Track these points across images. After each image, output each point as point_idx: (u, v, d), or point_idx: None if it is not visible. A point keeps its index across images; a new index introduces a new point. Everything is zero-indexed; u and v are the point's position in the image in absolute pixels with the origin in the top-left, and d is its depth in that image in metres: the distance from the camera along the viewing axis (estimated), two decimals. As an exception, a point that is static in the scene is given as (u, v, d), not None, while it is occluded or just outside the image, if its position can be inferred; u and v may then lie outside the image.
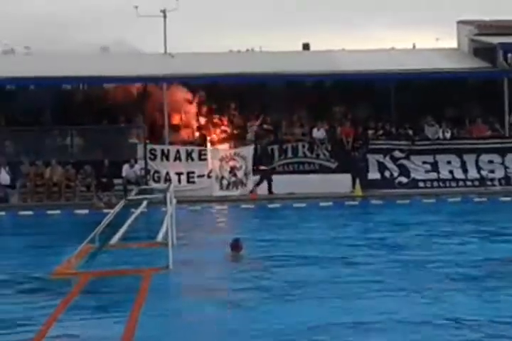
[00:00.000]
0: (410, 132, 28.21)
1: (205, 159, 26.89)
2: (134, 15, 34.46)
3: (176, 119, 28.92)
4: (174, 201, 14.21)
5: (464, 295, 11.05)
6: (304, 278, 12.38)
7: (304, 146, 27.53)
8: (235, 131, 28.82)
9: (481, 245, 15.60)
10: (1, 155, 26.47)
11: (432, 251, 14.70)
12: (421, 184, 27.06)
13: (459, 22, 32.64)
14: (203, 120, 29.19)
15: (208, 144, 27.70)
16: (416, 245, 15.65)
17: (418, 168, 27.16)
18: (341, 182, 26.42)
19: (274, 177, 26.63)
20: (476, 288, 11.51)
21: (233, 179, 26.80)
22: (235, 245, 14.24)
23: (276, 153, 27.37)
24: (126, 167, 25.84)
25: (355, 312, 10.13)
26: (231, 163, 26.85)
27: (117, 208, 13.70)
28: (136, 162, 26.21)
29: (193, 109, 29.26)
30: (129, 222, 12.40)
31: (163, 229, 11.85)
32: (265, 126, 28.75)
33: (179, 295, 11.66)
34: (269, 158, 27.06)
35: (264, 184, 26.42)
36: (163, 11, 34.47)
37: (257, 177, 26.60)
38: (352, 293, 11.23)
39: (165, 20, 34.64)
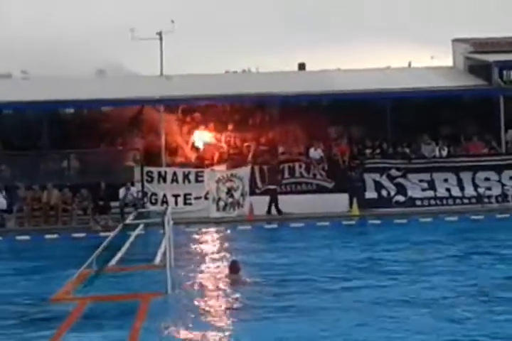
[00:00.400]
0: (407, 150, 28.25)
1: (202, 181, 26.89)
2: (130, 37, 34.57)
3: (172, 141, 28.93)
4: (171, 223, 14.20)
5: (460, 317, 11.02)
6: (301, 301, 12.33)
7: (300, 166, 27.54)
8: (232, 152, 28.84)
9: (478, 265, 15.53)
10: (-1, 180, 26.44)
11: (427, 273, 14.63)
12: (418, 202, 27.06)
13: (454, 40, 32.78)
14: (199, 141, 29.22)
15: (205, 166, 27.70)
16: (416, 266, 15.55)
17: (415, 186, 27.18)
18: (338, 202, 26.42)
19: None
20: (477, 308, 11.47)
21: (230, 200, 26.78)
22: (233, 267, 14.22)
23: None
24: (122, 190, 25.84)
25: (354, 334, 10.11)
26: (228, 184, 26.84)
27: (115, 231, 13.67)
28: (133, 184, 26.20)
29: (189, 130, 29.32)
30: (126, 245, 12.35)
31: (161, 252, 11.81)
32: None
33: (178, 319, 11.61)
34: (276, 177, 27.02)
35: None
36: (160, 34, 34.57)
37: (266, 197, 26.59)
38: (349, 317, 11.21)
39: (161, 43, 34.75)
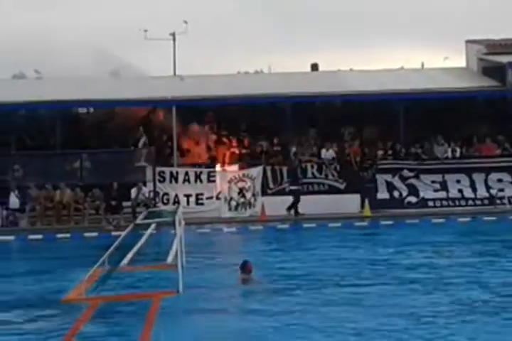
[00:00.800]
0: (419, 151, 28.21)
1: (214, 181, 26.93)
2: (144, 38, 34.65)
3: (185, 141, 28.98)
4: (183, 223, 14.21)
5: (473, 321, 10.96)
6: (314, 300, 12.31)
7: (312, 167, 27.55)
8: (245, 152, 28.87)
9: (490, 266, 15.46)
10: (11, 179, 26.54)
11: (441, 273, 14.59)
12: (430, 203, 27.03)
13: (468, 41, 32.73)
14: (212, 141, 29.26)
15: (217, 166, 27.75)
16: (427, 267, 15.50)
17: (427, 187, 27.16)
18: (350, 203, 26.45)
19: (283, 198, 26.63)
20: (489, 313, 11.42)
21: (242, 200, 26.82)
22: (245, 267, 14.20)
23: (285, 174, 27.37)
24: (134, 190, 25.90)
25: (365, 334, 10.09)
26: (240, 184, 26.87)
27: (126, 231, 13.69)
28: (145, 184, 26.26)
29: (202, 130, 29.37)
30: (138, 244, 12.37)
31: (173, 252, 11.82)
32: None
33: (189, 318, 11.63)
34: (297, 177, 26.98)
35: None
36: (173, 34, 34.63)
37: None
38: (362, 316, 11.18)
39: (174, 43, 34.82)
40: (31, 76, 38.42)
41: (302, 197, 26.54)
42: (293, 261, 16.88)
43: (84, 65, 37.06)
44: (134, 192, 25.87)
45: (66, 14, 63.40)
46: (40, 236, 22.85)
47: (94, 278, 12.04)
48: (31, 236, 22.90)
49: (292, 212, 26.26)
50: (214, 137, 29.37)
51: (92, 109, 31.11)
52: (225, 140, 29.18)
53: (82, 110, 31.22)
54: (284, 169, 27.42)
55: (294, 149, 28.72)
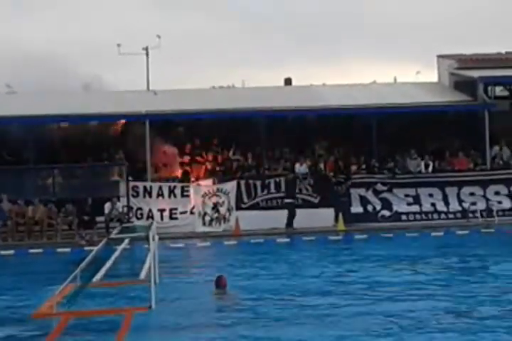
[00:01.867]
0: (392, 165, 28.32)
1: (188, 195, 26.85)
2: (117, 53, 34.58)
3: (158, 156, 28.90)
4: (157, 238, 14.13)
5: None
6: (287, 316, 12.28)
7: (296, 180, 27.51)
8: (218, 167, 28.85)
9: (463, 281, 15.50)
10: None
11: (412, 288, 14.59)
12: (404, 217, 27.14)
13: (439, 56, 33.01)
14: (185, 156, 29.22)
15: (191, 180, 27.70)
16: (401, 282, 15.49)
17: (400, 201, 27.26)
18: (324, 217, 26.44)
19: (257, 212, 26.63)
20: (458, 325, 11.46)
21: (216, 215, 26.75)
22: (219, 281, 14.15)
23: (259, 188, 27.34)
24: (108, 205, 25.76)
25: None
26: (214, 199, 26.81)
27: (99, 246, 13.59)
28: (118, 199, 26.14)
29: (175, 145, 29.31)
30: (111, 260, 12.28)
31: (146, 267, 11.74)
32: (233, 157, 28.84)
33: (162, 334, 11.55)
34: (294, 190, 26.95)
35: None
36: (146, 49, 34.59)
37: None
38: (333, 328, 11.18)
39: (147, 58, 34.76)
40: (2, 90, 38.15)
41: (275, 212, 26.56)
42: (267, 275, 16.84)
43: (57, 80, 36.92)
44: (107, 207, 25.73)
45: (39, 28, 63.24)
46: (11, 252, 22.63)
47: (65, 293, 11.94)
48: (2, 252, 22.68)
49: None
50: (187, 152, 29.31)
51: (64, 124, 30.92)
52: (197, 155, 29.15)
53: (55, 125, 31.01)
54: (258, 183, 27.38)
55: (266, 164, 28.78)
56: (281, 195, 27.23)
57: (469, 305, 12.75)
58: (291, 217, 26.31)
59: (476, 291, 14.00)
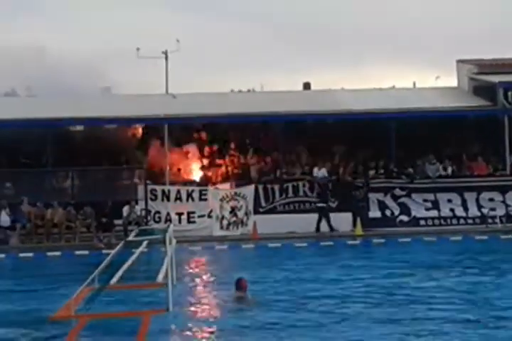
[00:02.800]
0: (411, 170, 28.23)
1: (206, 199, 26.85)
2: (136, 56, 34.71)
3: (177, 160, 28.98)
4: (174, 241, 14.13)
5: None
6: (307, 320, 12.23)
7: (304, 185, 27.50)
8: (236, 171, 28.86)
9: (483, 285, 15.40)
10: (2, 197, 26.43)
11: (430, 292, 14.50)
12: (422, 222, 27.03)
13: (459, 61, 32.87)
14: (203, 160, 29.27)
15: (209, 184, 27.73)
16: (423, 287, 15.38)
17: (419, 206, 27.15)
18: (342, 221, 26.40)
19: (274, 216, 26.61)
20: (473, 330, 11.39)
21: (234, 219, 26.75)
22: (239, 284, 14.10)
23: (277, 193, 27.33)
24: (126, 208, 25.83)
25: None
26: (231, 203, 26.81)
27: (117, 249, 13.62)
28: (136, 203, 26.19)
29: (193, 149, 29.38)
30: (129, 262, 12.31)
31: (163, 270, 11.76)
32: (251, 161, 28.82)
33: (179, 337, 11.54)
34: (326, 195, 26.90)
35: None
36: (165, 53, 34.68)
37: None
38: (353, 334, 11.13)
39: (166, 62, 34.84)
40: (23, 94, 38.39)
41: (292, 216, 26.55)
42: (285, 279, 16.81)
43: (76, 83, 37.09)
44: (126, 210, 25.79)
45: (59, 32, 63.53)
46: (30, 255, 22.72)
47: (83, 296, 11.96)
48: (22, 254, 22.78)
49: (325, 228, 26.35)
50: (205, 155, 29.37)
51: (83, 127, 31.07)
52: (216, 159, 29.20)
53: (74, 128, 31.17)
54: (276, 187, 27.36)
55: (284, 168, 28.78)
56: (299, 199, 27.22)
57: (490, 312, 12.64)
58: (326, 220, 26.27)
59: (498, 297, 13.88)
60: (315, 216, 26.47)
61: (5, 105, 31.22)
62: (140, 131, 30.80)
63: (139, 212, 26.00)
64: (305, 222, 26.31)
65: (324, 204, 26.61)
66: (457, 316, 12.28)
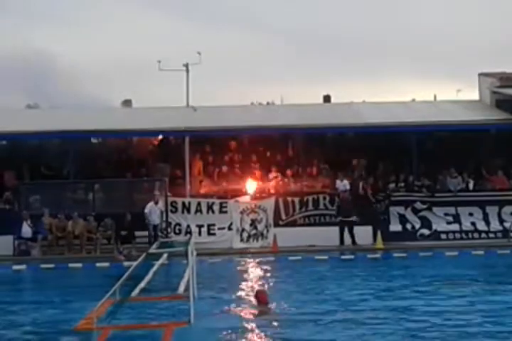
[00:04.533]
0: (432, 183, 28.13)
1: (226, 211, 26.88)
2: (157, 69, 34.85)
3: (197, 172, 29.06)
4: (195, 253, 14.17)
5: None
6: (334, 333, 12.17)
7: (324, 198, 27.47)
8: (256, 183, 28.86)
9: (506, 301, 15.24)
10: (24, 209, 26.58)
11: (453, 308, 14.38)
12: (443, 236, 26.93)
13: (481, 74, 32.78)
14: (224, 172, 29.31)
15: (229, 197, 27.77)
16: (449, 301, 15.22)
17: (440, 220, 27.06)
18: (362, 235, 26.33)
19: (295, 229, 26.60)
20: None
21: (254, 231, 26.77)
22: (259, 298, 14.06)
23: (297, 205, 27.32)
24: (151, 204, 25.84)
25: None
26: (252, 216, 26.84)
27: (138, 261, 13.66)
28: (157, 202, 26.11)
29: (214, 161, 29.45)
30: (149, 274, 12.35)
31: (184, 282, 11.77)
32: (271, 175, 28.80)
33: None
34: (349, 209, 26.80)
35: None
36: (186, 65, 34.82)
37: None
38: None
39: (187, 74, 34.97)
40: (45, 105, 38.63)
41: (312, 229, 26.53)
42: (306, 292, 16.75)
43: (98, 95, 37.32)
44: (149, 206, 25.84)
45: (81, 44, 64.03)
46: (52, 266, 22.81)
47: (105, 308, 12.00)
48: (43, 265, 22.88)
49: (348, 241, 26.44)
50: (226, 168, 29.42)
51: (104, 139, 31.27)
52: (236, 171, 29.26)
53: (96, 140, 31.37)
54: (296, 200, 27.35)
55: (305, 181, 28.76)
56: (319, 212, 27.20)
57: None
58: (349, 234, 26.27)
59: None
60: (335, 229, 26.43)
61: (27, 117, 31.45)
62: (164, 143, 30.90)
63: (164, 208, 26.09)
64: (325, 235, 26.28)
65: (349, 219, 26.51)
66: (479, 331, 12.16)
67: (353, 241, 26.29)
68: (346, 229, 26.34)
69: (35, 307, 15.65)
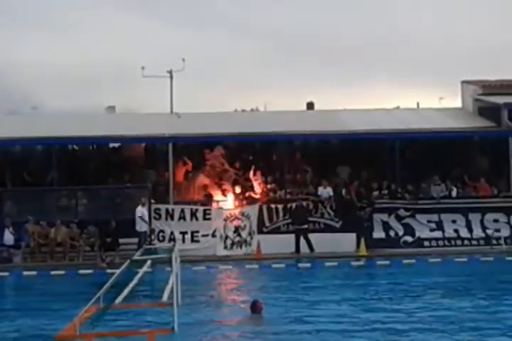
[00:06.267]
0: (415, 191, 28.18)
1: (210, 218, 26.83)
2: (141, 75, 34.74)
3: (180, 178, 28.99)
4: (178, 260, 14.13)
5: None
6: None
7: (308, 205, 27.44)
8: (239, 190, 28.82)
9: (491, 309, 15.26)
10: (6, 216, 26.41)
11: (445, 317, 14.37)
12: (426, 243, 26.97)
13: (463, 82, 32.90)
14: (207, 179, 29.25)
15: (213, 204, 27.72)
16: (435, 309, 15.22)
17: (423, 227, 27.11)
18: (346, 242, 26.33)
19: (279, 236, 26.57)
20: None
21: (237, 238, 26.73)
22: (255, 307, 13.96)
23: (281, 212, 27.29)
24: (139, 208, 25.74)
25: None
26: (235, 223, 26.80)
27: (122, 268, 13.60)
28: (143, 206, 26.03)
29: (197, 168, 29.40)
30: (133, 282, 12.27)
31: (168, 290, 11.72)
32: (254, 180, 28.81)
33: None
34: (304, 217, 26.83)
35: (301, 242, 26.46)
36: (170, 72, 34.73)
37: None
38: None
39: (171, 81, 34.85)
40: (27, 112, 38.41)
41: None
42: (288, 300, 16.71)
43: (80, 102, 37.18)
44: (139, 210, 25.75)
45: (64, 50, 63.82)
46: (34, 273, 22.66)
47: (88, 315, 11.92)
48: (25, 273, 22.73)
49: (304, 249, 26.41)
50: (208, 175, 29.37)
51: (87, 146, 31.15)
52: (219, 178, 29.21)
53: (78, 146, 31.22)
54: (280, 207, 27.33)
55: (288, 187, 28.75)
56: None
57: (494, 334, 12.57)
58: (305, 241, 26.27)
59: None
60: (319, 236, 26.42)
61: (9, 123, 31.24)
62: (148, 149, 30.82)
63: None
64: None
65: (303, 226, 26.52)
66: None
67: (310, 248, 26.27)
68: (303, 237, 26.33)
69: (17, 314, 15.56)
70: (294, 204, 27.14)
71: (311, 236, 26.51)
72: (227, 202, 27.99)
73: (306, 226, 26.59)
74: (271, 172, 29.52)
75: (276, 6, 67.38)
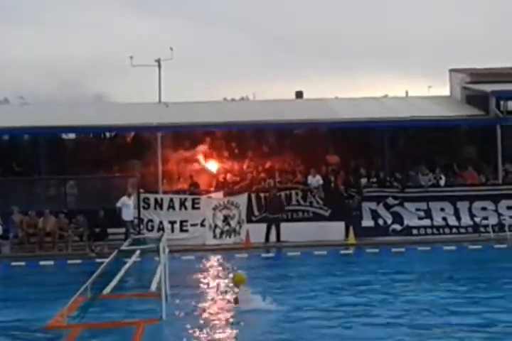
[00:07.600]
0: (404, 179, 28.22)
1: (199, 208, 26.82)
2: (129, 65, 34.60)
3: (169, 168, 28.96)
4: (167, 250, 14.12)
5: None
6: (303, 332, 12.18)
7: (297, 194, 27.49)
8: (229, 179, 28.83)
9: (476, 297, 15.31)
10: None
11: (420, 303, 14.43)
12: (414, 231, 27.06)
13: (452, 70, 32.95)
14: (196, 168, 29.24)
15: (202, 193, 27.72)
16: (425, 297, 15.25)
17: (412, 215, 27.18)
18: (335, 230, 26.39)
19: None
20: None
21: (226, 227, 26.74)
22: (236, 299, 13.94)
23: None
24: (123, 198, 25.70)
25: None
26: (224, 212, 26.80)
27: (110, 258, 13.59)
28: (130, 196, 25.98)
29: (186, 157, 29.37)
30: (122, 272, 12.28)
31: (156, 279, 11.73)
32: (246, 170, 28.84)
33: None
34: (280, 206, 26.88)
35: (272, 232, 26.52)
36: (158, 61, 34.60)
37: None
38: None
39: (159, 70, 34.73)
40: (15, 102, 38.29)
41: (285, 225, 26.52)
42: (278, 289, 16.73)
43: (69, 91, 37.05)
44: (122, 200, 25.71)
45: (52, 40, 63.57)
46: (23, 263, 22.64)
47: (76, 306, 11.94)
48: (14, 263, 22.70)
49: (273, 238, 26.42)
50: (198, 164, 29.38)
51: (76, 135, 31.08)
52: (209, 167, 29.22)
53: (67, 136, 31.15)
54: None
55: (278, 176, 28.78)
56: (291, 207, 27.19)
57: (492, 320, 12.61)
58: (276, 231, 26.38)
59: (498, 306, 13.84)
60: (308, 224, 26.50)
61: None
62: (136, 139, 30.75)
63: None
64: (297, 231, 26.28)
65: (276, 215, 26.57)
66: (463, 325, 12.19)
67: (278, 238, 26.34)
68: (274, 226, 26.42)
69: (5, 305, 15.54)
70: (269, 194, 27.09)
71: (300, 224, 26.57)
72: (214, 191, 27.98)
73: (278, 215, 26.57)
74: (260, 161, 29.50)
75: (266, -5, 67.25)
